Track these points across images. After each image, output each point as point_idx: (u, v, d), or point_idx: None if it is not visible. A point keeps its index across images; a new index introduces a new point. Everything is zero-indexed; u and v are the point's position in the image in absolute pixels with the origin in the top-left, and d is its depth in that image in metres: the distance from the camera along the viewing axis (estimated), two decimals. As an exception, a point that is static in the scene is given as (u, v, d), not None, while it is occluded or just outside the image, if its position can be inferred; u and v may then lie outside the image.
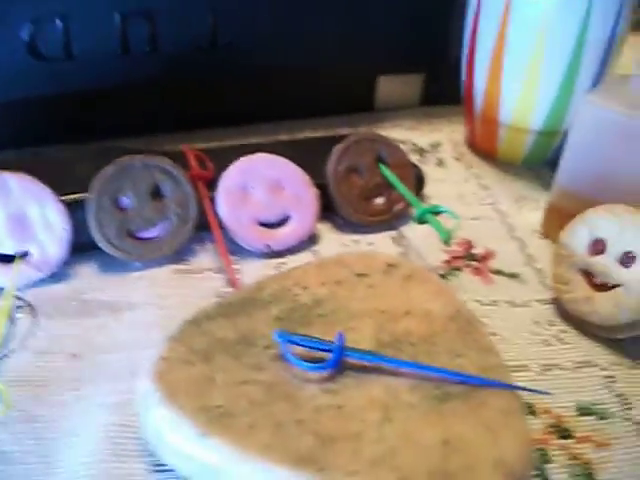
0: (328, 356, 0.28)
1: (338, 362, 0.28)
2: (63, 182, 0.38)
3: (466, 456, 0.25)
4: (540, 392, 0.31)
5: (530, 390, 0.30)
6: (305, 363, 0.27)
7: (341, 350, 0.28)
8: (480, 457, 0.25)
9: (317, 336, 0.29)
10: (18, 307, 0.35)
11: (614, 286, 0.36)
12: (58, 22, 0.45)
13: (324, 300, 0.32)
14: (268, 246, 0.39)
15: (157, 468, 0.27)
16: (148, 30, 0.47)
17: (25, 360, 0.31)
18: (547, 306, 0.39)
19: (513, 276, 0.41)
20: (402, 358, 0.29)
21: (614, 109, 0.39)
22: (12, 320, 0.34)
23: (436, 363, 0.29)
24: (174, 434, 0.25)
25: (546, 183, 0.50)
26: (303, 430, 0.25)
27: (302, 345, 0.28)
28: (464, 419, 0.27)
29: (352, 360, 0.28)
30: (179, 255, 0.39)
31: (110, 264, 0.38)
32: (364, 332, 0.30)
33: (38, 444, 0.27)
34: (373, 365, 0.28)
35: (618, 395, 0.33)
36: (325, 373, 0.28)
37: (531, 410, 0.32)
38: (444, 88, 0.58)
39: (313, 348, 0.28)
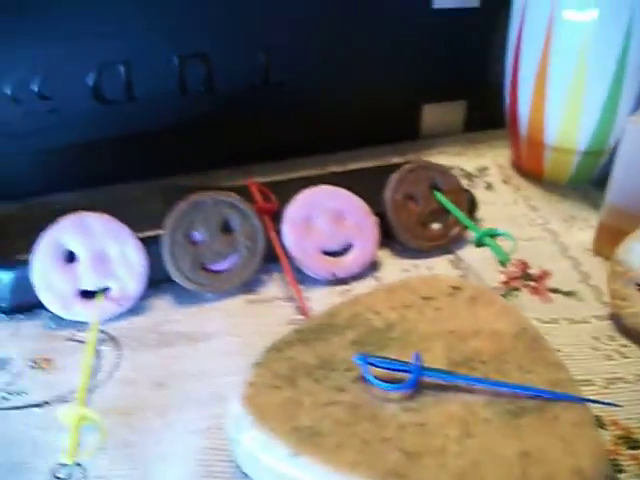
0: (406, 376, 0.29)
1: (416, 381, 0.29)
2: (137, 220, 0.40)
3: (545, 466, 0.26)
4: (609, 404, 0.32)
5: (599, 402, 0.31)
6: (385, 384, 0.29)
7: (419, 370, 0.29)
8: (558, 467, 0.26)
9: (394, 357, 0.30)
10: (102, 340, 0.37)
11: (671, 300, 0.37)
12: (121, 67, 0.47)
13: (396, 324, 0.33)
14: (333, 274, 0.41)
15: (251, 488, 0.29)
16: (204, 71, 0.50)
17: (113, 390, 0.33)
18: (606, 322, 0.40)
19: (570, 294, 0.42)
20: (474, 376, 0.30)
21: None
22: (98, 353, 0.36)
23: (507, 379, 0.30)
24: (267, 455, 0.27)
25: (593, 202, 0.51)
26: (388, 447, 0.27)
27: (381, 367, 0.30)
28: (539, 432, 0.28)
29: (428, 379, 0.30)
30: (249, 286, 0.41)
31: (185, 296, 0.40)
32: (436, 353, 0.32)
33: (134, 469, 0.29)
34: (449, 383, 0.30)
35: (682, 405, 0.34)
36: (405, 392, 0.29)
37: (600, 423, 0.33)
38: (486, 114, 0.60)
39: (392, 369, 0.30)
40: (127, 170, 0.50)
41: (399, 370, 0.30)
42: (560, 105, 0.50)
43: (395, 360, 0.30)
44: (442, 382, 0.30)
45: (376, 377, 0.29)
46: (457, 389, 0.30)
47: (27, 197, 0.47)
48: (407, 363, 0.30)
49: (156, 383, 0.34)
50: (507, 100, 0.55)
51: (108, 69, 0.48)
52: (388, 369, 0.30)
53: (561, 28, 0.48)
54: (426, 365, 0.30)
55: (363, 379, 0.30)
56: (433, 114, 0.60)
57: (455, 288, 0.36)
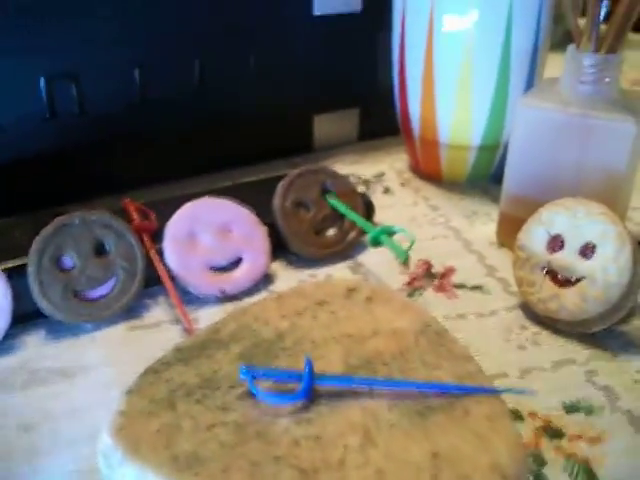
0: (297, 386, 0.26)
1: (309, 390, 0.26)
2: (1, 250, 0.36)
3: (458, 466, 0.24)
4: (522, 392, 0.29)
5: (511, 391, 0.28)
6: (274, 396, 0.26)
7: (311, 376, 0.26)
8: (473, 465, 0.24)
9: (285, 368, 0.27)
10: (-40, 386, 0.32)
11: (578, 280, 0.35)
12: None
13: (286, 333, 0.30)
14: (222, 291, 0.38)
15: (130, 534, 0.25)
16: (74, 92, 0.46)
17: (-26, 440, 0.29)
18: (516, 312, 0.38)
19: (476, 288, 0.40)
20: (374, 378, 0.27)
21: (547, 107, 0.40)
22: (-44, 401, 0.31)
23: (412, 379, 0.27)
24: (143, 491, 0.23)
25: (494, 196, 0.50)
26: (281, 466, 0.23)
27: (269, 377, 0.27)
28: (450, 430, 0.25)
29: (324, 387, 0.27)
30: (131, 311, 0.37)
31: (59, 329, 0.36)
32: (332, 358, 0.29)
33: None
34: (346, 389, 0.27)
35: (602, 388, 0.33)
36: (297, 404, 0.26)
37: (518, 415, 0.31)
38: (381, 120, 0.58)
39: (281, 380, 0.27)
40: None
41: (289, 380, 0.27)
42: (449, 102, 0.49)
43: (284, 370, 0.27)
44: (338, 388, 0.27)
45: (265, 390, 0.26)
46: (356, 395, 0.27)
47: None
48: (297, 372, 0.27)
49: (23, 426, 0.30)
50: (397, 103, 0.54)
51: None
52: (277, 380, 0.27)
53: (442, 27, 0.47)
54: (319, 372, 0.27)
55: (250, 395, 0.26)
56: (325, 124, 0.58)
57: (350, 290, 0.33)
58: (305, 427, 0.25)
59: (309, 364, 0.26)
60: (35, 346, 0.35)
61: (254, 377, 0.26)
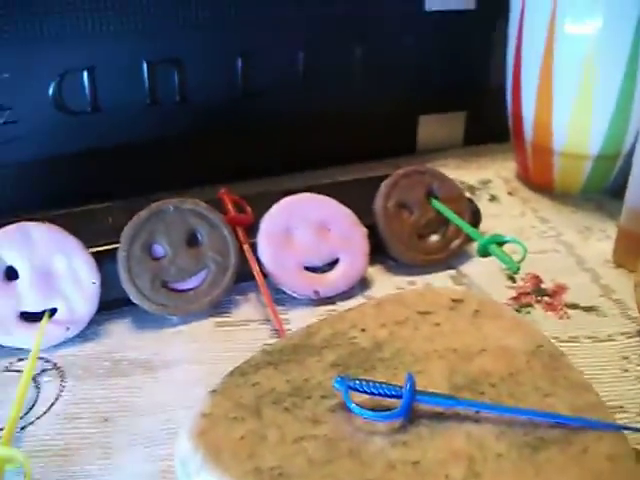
0: (397, 403, 0.24)
1: (409, 408, 0.24)
2: (93, 233, 0.35)
3: (575, 513, 0.21)
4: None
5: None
6: (371, 412, 0.23)
7: (412, 394, 0.24)
8: (592, 513, 0.21)
9: (382, 381, 0.25)
10: (44, 370, 0.31)
11: None
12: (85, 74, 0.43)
13: (385, 342, 0.28)
14: (316, 292, 0.36)
15: None
16: (176, 78, 0.45)
17: (50, 427, 0.28)
18: (635, 339, 0.34)
19: (591, 309, 0.37)
20: (482, 401, 0.25)
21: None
22: (37, 385, 0.30)
23: (523, 405, 0.25)
24: (221, 503, 0.21)
25: (610, 212, 0.46)
26: (374, 490, 0.21)
27: (366, 392, 0.24)
28: (565, 468, 0.22)
29: (424, 406, 0.24)
30: (219, 307, 0.36)
31: (144, 320, 0.35)
32: (434, 375, 0.26)
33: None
34: (450, 411, 0.24)
35: None
36: (395, 423, 0.24)
37: (638, 457, 0.27)
38: (488, 126, 0.55)
39: (379, 394, 0.24)
40: (93, 189, 0.44)
41: (388, 396, 0.24)
42: (568, 107, 0.46)
43: (383, 383, 0.24)
44: (441, 409, 0.24)
45: (360, 405, 0.24)
46: (461, 418, 0.24)
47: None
48: (397, 387, 0.24)
49: (101, 418, 0.28)
50: (510, 105, 0.50)
51: (71, 77, 0.43)
52: (375, 395, 0.24)
53: (565, 28, 0.44)
54: (421, 389, 0.24)
55: (344, 407, 0.24)
56: (430, 126, 0.55)
57: (456, 301, 0.31)
58: (402, 450, 0.23)
59: (411, 380, 0.24)
60: (119, 335, 0.34)
61: (350, 388, 0.24)
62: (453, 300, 0.31)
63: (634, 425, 0.28)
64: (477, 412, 0.24)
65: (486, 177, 0.53)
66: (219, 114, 0.47)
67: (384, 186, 0.39)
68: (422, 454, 0.23)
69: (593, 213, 0.47)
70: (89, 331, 0.34)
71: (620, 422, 0.28)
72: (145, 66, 0.44)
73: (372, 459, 0.22)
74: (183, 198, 0.35)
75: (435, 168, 0.42)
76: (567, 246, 0.43)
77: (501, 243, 0.37)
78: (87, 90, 0.43)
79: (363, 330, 0.29)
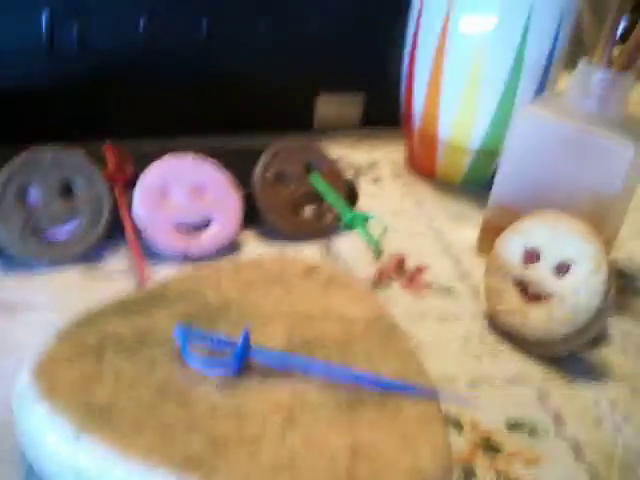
0: (231, 355, 0.25)
1: (241, 361, 0.25)
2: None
3: (375, 463, 0.23)
4: (462, 401, 0.28)
5: (451, 399, 0.27)
6: (204, 363, 0.25)
7: (244, 349, 0.25)
8: (391, 465, 0.23)
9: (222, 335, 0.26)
10: None
11: (547, 298, 0.34)
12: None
13: (234, 301, 0.30)
14: (186, 250, 0.37)
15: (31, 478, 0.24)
16: (77, 28, 0.45)
17: None
18: (480, 321, 0.37)
19: (445, 290, 0.39)
20: (312, 359, 0.26)
21: (549, 117, 0.39)
22: None
23: (350, 368, 0.27)
24: (50, 434, 0.22)
25: (485, 203, 0.49)
26: (193, 433, 0.23)
27: (203, 342, 0.26)
28: (376, 426, 0.24)
29: (257, 361, 0.26)
30: (89, 258, 0.36)
31: (12, 264, 0.35)
32: (274, 334, 0.28)
33: None
34: (280, 367, 0.26)
35: (551, 411, 0.32)
36: (227, 375, 0.25)
37: (458, 424, 0.30)
38: (385, 110, 0.57)
39: (215, 347, 0.26)
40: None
41: (223, 349, 0.26)
42: (454, 101, 0.48)
43: (219, 337, 0.26)
44: (272, 366, 0.26)
45: (197, 355, 0.25)
46: (290, 375, 0.26)
47: None
48: (232, 341, 0.26)
49: (-47, 354, 0.29)
50: (402, 93, 0.52)
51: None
52: (211, 347, 0.26)
53: (458, 23, 0.46)
54: (257, 345, 0.26)
55: (181, 356, 0.26)
56: (328, 106, 0.57)
57: (310, 269, 0.32)
58: (228, 398, 0.24)
59: (245, 334, 0.25)
60: (-16, 276, 0.34)
61: (188, 338, 0.26)
62: (308, 268, 0.32)
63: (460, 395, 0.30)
64: (306, 371, 0.26)
65: (375, 159, 0.55)
66: (118, 67, 0.48)
67: (264, 156, 0.40)
68: (245, 402, 0.24)
69: (469, 203, 0.50)
70: (-48, 271, 0.34)
71: (450, 392, 0.31)
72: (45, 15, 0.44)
73: (198, 404, 0.24)
74: (63, 147, 0.35)
75: (317, 144, 0.43)
76: (437, 231, 0.45)
77: (365, 219, 0.38)
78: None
79: (216, 289, 0.30)
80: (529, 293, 0.35)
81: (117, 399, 0.24)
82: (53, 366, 0.25)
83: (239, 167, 0.40)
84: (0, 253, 0.35)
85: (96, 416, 0.23)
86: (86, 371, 0.25)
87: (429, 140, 0.50)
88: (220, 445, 0.22)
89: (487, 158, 0.50)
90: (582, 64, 0.39)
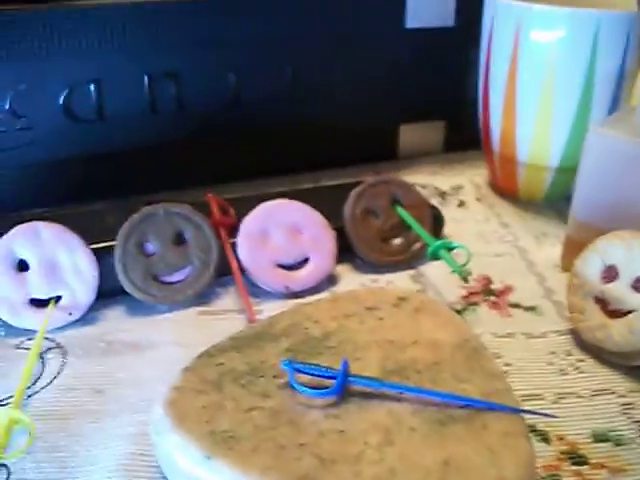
0: (333, 383, 0.29)
1: (341, 388, 0.29)
2: (93, 231, 0.40)
3: (464, 475, 0.26)
4: (546, 415, 0.31)
5: (533, 412, 0.30)
6: (309, 389, 0.28)
7: (344, 376, 0.29)
8: (479, 476, 0.26)
9: (323, 365, 0.30)
10: (49, 348, 0.37)
11: (628, 312, 0.36)
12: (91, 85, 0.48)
13: (333, 333, 0.33)
14: (287, 287, 0.41)
15: (170, 494, 0.28)
16: (174, 90, 0.50)
17: (52, 396, 0.33)
18: (565, 337, 0.39)
19: (531, 309, 0.41)
20: (405, 384, 0.29)
21: (620, 138, 0.40)
22: (43, 360, 0.36)
23: (440, 389, 0.29)
24: (182, 457, 0.26)
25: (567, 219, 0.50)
26: (304, 452, 0.26)
27: (308, 373, 0.29)
28: (465, 441, 0.27)
29: (356, 387, 0.29)
30: (202, 298, 0.41)
31: (136, 308, 0.40)
32: (370, 361, 0.31)
33: (59, 472, 0.29)
34: (377, 392, 0.29)
35: (636, 422, 0.33)
36: (329, 399, 0.29)
37: (545, 437, 0.32)
38: (465, 134, 0.60)
39: (319, 376, 0.29)
40: (98, 190, 0.50)
41: (325, 377, 0.29)
42: (530, 122, 0.50)
43: (321, 366, 0.29)
44: (369, 390, 0.29)
45: (302, 384, 0.29)
46: (385, 398, 0.29)
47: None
48: (333, 369, 0.29)
49: (95, 390, 0.34)
50: (480, 118, 0.55)
51: (79, 88, 0.48)
52: (315, 376, 0.29)
53: (527, 47, 0.48)
54: (354, 372, 0.29)
55: (289, 386, 0.29)
56: (411, 134, 0.60)
57: (401, 299, 0.36)
58: (332, 421, 0.28)
59: (345, 364, 0.29)
60: (114, 320, 0.39)
61: (295, 370, 0.29)
62: (399, 298, 0.36)
63: (546, 411, 0.32)
64: (400, 393, 0.29)
65: (459, 183, 0.57)
66: (212, 122, 0.53)
67: (353, 194, 0.44)
68: (349, 425, 0.28)
69: (552, 220, 0.51)
70: (88, 316, 0.39)
71: (536, 408, 0.33)
72: (146, 79, 0.49)
73: (306, 428, 0.27)
74: (172, 202, 0.40)
75: (399, 178, 0.46)
76: (521, 250, 0.47)
77: (450, 248, 0.41)
78: (93, 100, 0.48)
79: (316, 322, 0.34)
80: (610, 309, 0.37)
81: (237, 425, 0.27)
82: (181, 398, 0.29)
83: (329, 205, 0.44)
84: (125, 299, 0.40)
85: (221, 441, 0.27)
86: (209, 401, 0.29)
87: (509, 161, 0.53)
88: (327, 463, 0.26)
89: (567, 175, 0.51)
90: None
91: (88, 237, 0.39)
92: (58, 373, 0.35)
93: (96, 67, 0.48)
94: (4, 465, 0.29)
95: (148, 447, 0.30)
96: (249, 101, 0.53)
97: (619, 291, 0.37)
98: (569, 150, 0.50)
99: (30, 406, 0.33)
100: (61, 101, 0.48)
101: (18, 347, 0.37)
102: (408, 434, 0.27)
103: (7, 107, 0.47)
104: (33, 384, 0.34)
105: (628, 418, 0.33)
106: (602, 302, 0.37)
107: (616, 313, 0.37)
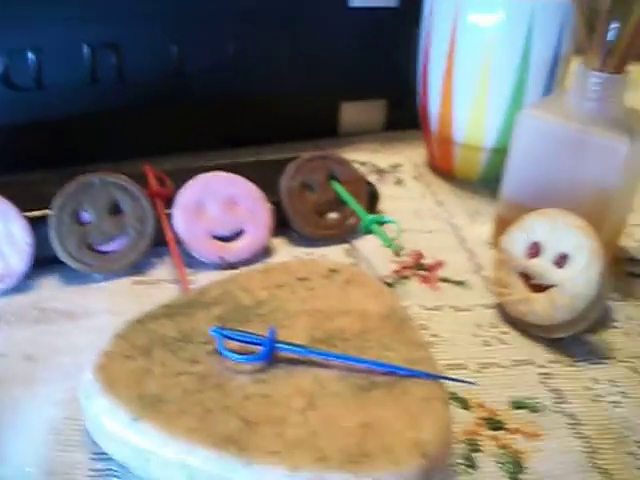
0: (260, 349, 0.30)
1: (269, 354, 0.29)
2: (28, 200, 0.40)
3: (384, 438, 0.27)
4: (464, 381, 0.32)
5: (452, 379, 0.31)
6: (236, 355, 0.29)
7: (272, 343, 0.29)
8: (398, 438, 0.27)
9: (253, 332, 0.30)
10: (-21, 315, 0.37)
11: (550, 287, 0.38)
12: (30, 54, 0.48)
13: (264, 302, 0.34)
14: (222, 258, 0.41)
15: (98, 457, 0.29)
16: (115, 60, 0.50)
17: (-18, 363, 0.33)
18: (490, 310, 0.40)
19: (459, 283, 0.43)
20: (331, 351, 0.30)
21: (548, 120, 0.42)
22: (-27, 327, 0.36)
23: (366, 356, 0.30)
24: (110, 420, 0.27)
25: (500, 199, 0.52)
26: (229, 415, 0.27)
27: (236, 340, 0.30)
28: (385, 405, 0.28)
29: (284, 354, 0.30)
30: (137, 268, 0.41)
31: (72, 277, 0.40)
32: (299, 329, 0.32)
33: (-12, 436, 0.29)
34: (303, 358, 0.30)
35: (553, 390, 0.35)
36: (256, 365, 0.29)
37: (465, 404, 0.33)
38: (406, 113, 0.61)
39: (247, 342, 0.30)
40: (35, 159, 0.49)
41: (253, 343, 0.30)
42: (466, 103, 0.51)
43: (249, 333, 0.30)
44: (297, 357, 0.30)
45: (230, 349, 0.30)
46: (312, 364, 0.30)
47: None
48: (261, 336, 0.30)
49: (27, 356, 0.34)
50: (419, 98, 0.56)
51: (18, 56, 0.47)
52: (243, 342, 0.30)
53: (465, 28, 0.49)
54: (283, 340, 0.30)
55: (217, 352, 0.30)
56: (352, 112, 0.61)
57: (332, 270, 0.37)
58: (259, 386, 0.29)
59: (272, 330, 0.30)
60: (48, 288, 0.39)
61: (224, 336, 0.30)
62: (330, 270, 0.37)
63: (469, 379, 0.34)
64: (326, 360, 0.30)
65: (397, 161, 0.58)
66: (153, 94, 0.52)
67: (289, 168, 0.44)
68: (274, 389, 0.29)
69: (486, 199, 0.53)
70: (23, 284, 0.39)
71: (459, 376, 0.34)
72: (86, 48, 0.49)
73: (233, 391, 0.28)
74: (108, 172, 0.40)
75: (338, 154, 0.47)
76: (454, 227, 0.49)
77: (382, 223, 0.42)
78: (32, 68, 0.48)
79: (248, 291, 0.34)
80: (533, 284, 0.38)
81: (164, 389, 0.28)
82: (111, 364, 0.29)
83: (266, 178, 0.44)
84: (60, 267, 0.40)
85: (147, 404, 0.27)
86: (138, 367, 0.29)
87: (446, 141, 0.54)
88: (252, 425, 0.27)
89: (501, 156, 0.52)
90: (579, 66, 0.42)
91: (23, 206, 0.39)
92: (-11, 340, 0.35)
93: (36, 36, 0.48)
94: None
95: (78, 412, 0.30)
96: (191, 74, 0.53)
97: (542, 266, 0.38)
98: (504, 132, 0.51)
99: (-41, 372, 0.33)
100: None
101: (-52, 314, 0.37)
102: (331, 399, 0.28)
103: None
104: (-37, 350, 0.34)
105: (545, 387, 0.35)
106: (526, 277, 0.39)
107: (539, 288, 0.38)
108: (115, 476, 0.28)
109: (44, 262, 0.40)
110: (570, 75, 0.51)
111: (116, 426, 0.27)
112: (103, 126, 0.52)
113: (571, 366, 0.37)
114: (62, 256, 0.39)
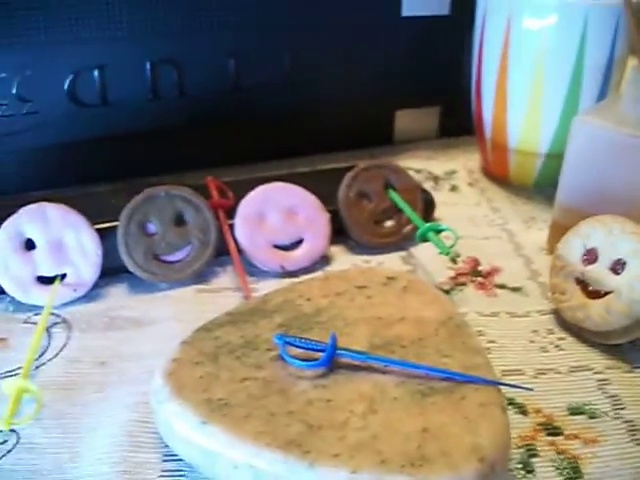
0: (322, 355, 0.31)
1: (330, 360, 0.31)
2: (98, 213, 0.42)
3: (442, 442, 0.27)
4: (521, 387, 0.33)
5: (511, 385, 0.32)
6: (299, 361, 0.30)
7: (333, 349, 0.30)
8: (455, 442, 0.27)
9: (314, 339, 0.32)
10: (55, 323, 0.39)
11: (607, 293, 0.38)
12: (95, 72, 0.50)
13: (324, 309, 0.35)
14: (282, 267, 0.43)
15: (169, 458, 0.30)
16: (175, 76, 0.52)
17: (58, 368, 0.35)
18: (547, 316, 0.41)
19: (515, 290, 0.43)
20: (390, 357, 0.31)
21: (604, 126, 0.42)
22: (49, 334, 0.38)
23: (423, 363, 0.31)
24: (180, 423, 0.28)
25: (555, 204, 0.52)
26: (293, 419, 0.28)
27: (298, 346, 0.31)
28: (444, 410, 0.29)
29: (344, 360, 0.31)
30: (201, 276, 0.43)
31: (138, 285, 0.42)
32: (358, 336, 0.33)
33: (65, 437, 0.31)
34: (363, 364, 0.31)
35: (610, 396, 0.35)
36: (318, 371, 0.31)
37: (522, 410, 0.34)
38: (460, 120, 0.61)
39: (309, 349, 0.31)
40: (101, 171, 0.52)
41: (315, 350, 0.31)
42: (520, 109, 0.51)
43: (311, 340, 0.31)
44: (356, 362, 0.31)
45: (293, 356, 0.31)
46: (371, 370, 0.31)
47: (2, 195, 0.49)
48: (322, 343, 0.31)
49: (99, 362, 0.36)
50: (473, 105, 0.56)
51: (83, 74, 0.50)
52: (305, 349, 0.31)
53: (518, 34, 0.49)
54: (343, 346, 0.31)
55: (281, 358, 0.31)
56: (406, 120, 0.62)
57: (390, 278, 0.37)
58: (320, 391, 0.30)
59: (333, 337, 0.31)
60: (117, 297, 0.41)
61: (286, 343, 0.31)
62: (387, 277, 0.37)
63: (526, 385, 0.34)
64: (385, 366, 0.31)
65: (452, 168, 0.59)
66: (211, 108, 0.54)
67: (347, 178, 0.45)
68: (335, 394, 0.30)
69: (541, 205, 0.53)
70: (92, 293, 0.41)
71: (516, 382, 0.35)
72: (148, 65, 0.51)
73: (296, 396, 0.29)
74: (173, 185, 0.42)
75: (393, 162, 0.48)
76: (510, 233, 0.49)
77: (438, 231, 0.43)
78: (97, 85, 0.50)
79: (308, 299, 0.36)
80: (589, 290, 0.39)
81: (231, 394, 0.29)
82: (180, 369, 0.31)
83: (323, 188, 0.45)
84: (128, 277, 0.42)
85: (215, 408, 0.29)
86: (206, 372, 0.30)
87: (500, 148, 0.54)
88: (314, 429, 0.28)
89: (556, 161, 0.52)
90: (632, 70, 0.42)
91: (92, 218, 0.41)
92: (64, 346, 0.37)
93: (100, 53, 0.50)
94: (14, 431, 0.31)
95: (149, 415, 0.32)
96: (248, 87, 0.55)
97: (598, 273, 0.38)
98: (558, 137, 0.51)
99: (38, 377, 0.35)
100: (66, 86, 0.50)
101: (26, 322, 0.39)
102: (391, 404, 0.29)
103: (14, 92, 0.48)
104: (40, 356, 0.36)
105: (603, 393, 0.35)
106: (582, 283, 0.39)
107: (595, 294, 0.38)
108: (185, 476, 0.29)
109: (112, 272, 0.42)
110: (625, 79, 0.51)
111: (186, 429, 0.28)
112: (165, 140, 0.54)
113: (629, 372, 0.37)
114: (130, 266, 0.41)
